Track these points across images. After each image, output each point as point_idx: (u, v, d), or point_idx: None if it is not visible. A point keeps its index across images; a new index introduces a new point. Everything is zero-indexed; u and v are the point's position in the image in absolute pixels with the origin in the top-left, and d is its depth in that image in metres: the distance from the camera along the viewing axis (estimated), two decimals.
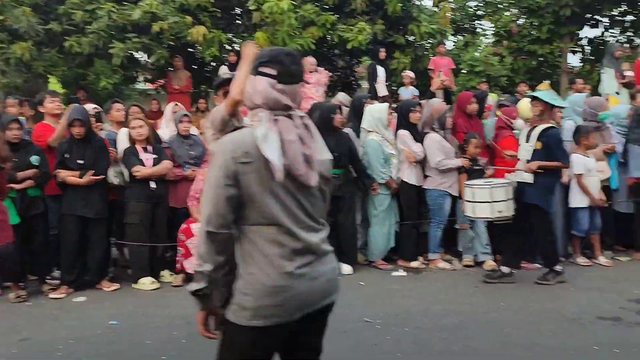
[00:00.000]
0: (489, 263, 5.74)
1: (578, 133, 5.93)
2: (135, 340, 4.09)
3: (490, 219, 5.22)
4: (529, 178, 5.07)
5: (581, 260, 5.88)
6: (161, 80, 10.86)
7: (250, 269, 1.91)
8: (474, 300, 4.90)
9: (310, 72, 8.88)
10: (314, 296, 1.96)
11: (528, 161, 5.11)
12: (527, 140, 5.20)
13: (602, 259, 5.89)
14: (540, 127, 5.11)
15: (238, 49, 9.47)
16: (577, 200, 5.86)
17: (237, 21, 10.33)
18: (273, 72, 1.93)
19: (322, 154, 2.00)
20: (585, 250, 6.04)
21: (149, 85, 12.29)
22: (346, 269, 5.74)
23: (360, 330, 4.21)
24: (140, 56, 9.79)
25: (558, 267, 5.21)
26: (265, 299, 1.88)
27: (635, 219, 6.09)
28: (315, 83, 8.88)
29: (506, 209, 5.03)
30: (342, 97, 7.74)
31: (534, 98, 5.24)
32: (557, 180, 5.34)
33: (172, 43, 9.21)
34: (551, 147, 5.03)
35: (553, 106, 5.15)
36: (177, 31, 8.81)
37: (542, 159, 5.04)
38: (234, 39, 10.24)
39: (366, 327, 4.28)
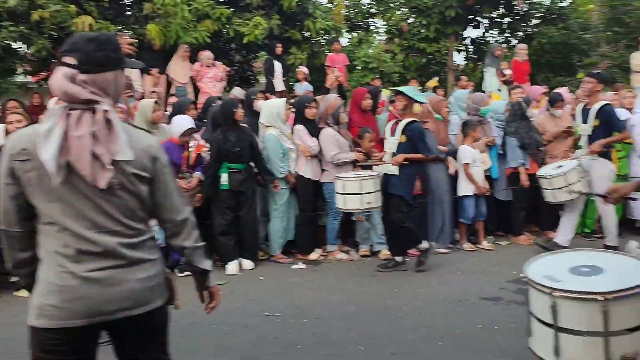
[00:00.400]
0: (384, 252, 5.96)
1: (466, 126, 6.35)
2: (12, 350, 3.81)
3: (359, 210, 5.39)
4: (394, 170, 5.32)
5: (467, 246, 6.28)
6: (43, 73, 10.13)
7: (41, 267, 1.86)
8: (370, 288, 5.08)
9: (207, 66, 8.73)
10: (108, 304, 1.83)
11: (394, 154, 5.36)
12: (393, 134, 5.44)
13: (485, 244, 6.33)
14: (404, 121, 5.36)
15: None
16: (464, 189, 6.26)
17: (127, 12, 9.87)
18: (73, 61, 1.78)
19: (124, 153, 1.80)
20: (471, 236, 6.46)
21: (29, 78, 11.41)
22: (247, 264, 5.75)
23: (260, 325, 4.23)
24: (19, 46, 9.06)
25: (423, 245, 5.45)
26: (47, 298, 1.81)
27: (513, 206, 6.61)
28: (212, 77, 8.74)
29: (374, 200, 5.24)
30: (237, 92, 7.70)
31: (398, 93, 5.48)
32: (417, 172, 5.57)
33: (54, 33, 8.62)
34: (414, 140, 5.31)
35: (416, 101, 5.43)
36: (60, 20, 8.24)
37: (406, 151, 5.30)
38: (124, 31, 9.77)
39: (266, 321, 4.31)
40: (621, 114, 6.76)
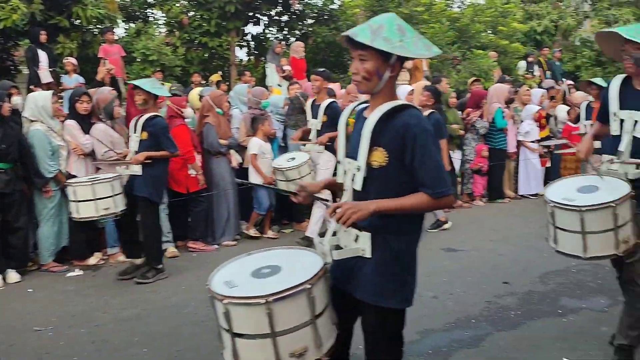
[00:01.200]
0: (171, 250, 5.84)
1: (256, 121, 6.51)
2: None
3: (95, 218, 4.86)
4: (138, 170, 4.89)
5: (252, 232, 6.46)
6: None
7: None
8: (156, 287, 4.93)
9: None
10: None
11: (137, 152, 4.93)
12: (135, 131, 5.00)
13: (270, 233, 6.59)
14: (145, 117, 4.95)
15: None
16: (255, 180, 6.38)
17: None
18: None
19: None
20: (256, 226, 6.65)
21: None
22: (13, 276, 5.18)
23: (28, 341, 3.83)
24: None
25: (160, 265, 5.16)
26: None
27: None
28: None
29: (114, 205, 4.75)
30: None
31: (135, 87, 5.02)
32: (166, 171, 5.18)
33: None
34: (158, 136, 4.90)
35: (157, 96, 5.07)
36: None
37: (149, 148, 4.89)
38: None
39: (36, 337, 3.91)
40: None
